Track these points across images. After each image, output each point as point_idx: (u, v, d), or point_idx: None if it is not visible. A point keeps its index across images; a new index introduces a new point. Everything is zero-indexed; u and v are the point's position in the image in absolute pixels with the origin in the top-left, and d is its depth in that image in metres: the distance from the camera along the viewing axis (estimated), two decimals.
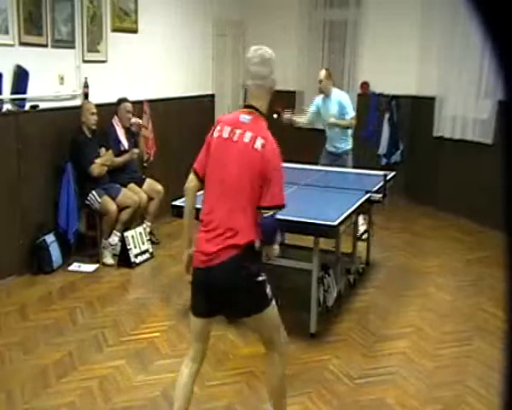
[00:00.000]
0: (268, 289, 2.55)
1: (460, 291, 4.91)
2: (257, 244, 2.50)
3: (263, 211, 2.47)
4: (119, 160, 5.48)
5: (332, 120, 5.90)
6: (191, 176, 2.69)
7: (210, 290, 2.53)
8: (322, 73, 5.97)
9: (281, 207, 2.51)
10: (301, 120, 6.08)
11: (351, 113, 5.96)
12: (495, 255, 5.35)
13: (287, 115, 5.78)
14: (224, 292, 2.50)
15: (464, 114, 6.93)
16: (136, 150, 5.64)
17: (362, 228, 5.41)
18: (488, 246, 5.79)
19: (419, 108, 7.64)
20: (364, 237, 5.34)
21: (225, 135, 2.53)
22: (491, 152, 6.17)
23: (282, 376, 2.72)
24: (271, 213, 2.47)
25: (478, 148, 6.61)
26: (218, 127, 2.58)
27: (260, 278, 2.51)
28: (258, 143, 2.47)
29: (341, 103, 5.93)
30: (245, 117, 2.55)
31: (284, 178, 2.57)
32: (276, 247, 2.66)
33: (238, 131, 2.51)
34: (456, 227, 6.62)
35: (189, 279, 2.68)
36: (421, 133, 7.62)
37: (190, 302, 2.66)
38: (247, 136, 2.49)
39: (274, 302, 2.60)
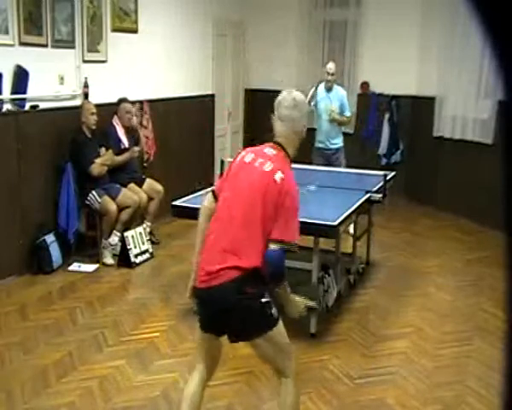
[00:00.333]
0: (273, 311, 2.43)
1: (460, 291, 4.91)
2: (265, 297, 2.41)
3: (271, 243, 2.38)
4: (120, 158, 5.48)
5: (336, 115, 5.96)
6: (209, 195, 2.66)
7: (211, 310, 2.47)
8: (333, 66, 6.04)
9: (290, 244, 2.41)
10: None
11: (349, 110, 6.11)
12: (495, 255, 5.35)
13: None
14: (223, 312, 2.42)
15: (464, 114, 6.93)
16: (136, 148, 5.64)
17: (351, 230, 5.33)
18: (488, 246, 5.79)
19: (419, 108, 7.64)
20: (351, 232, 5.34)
21: (247, 160, 2.54)
22: (491, 152, 6.17)
23: (298, 401, 2.57)
24: (278, 247, 2.38)
25: (478, 148, 6.62)
26: (243, 153, 2.61)
27: (264, 300, 2.40)
28: (278, 177, 2.43)
29: (343, 100, 6.04)
30: (270, 150, 2.56)
31: (298, 219, 2.47)
32: (300, 301, 2.58)
33: (260, 160, 2.50)
34: (456, 227, 6.62)
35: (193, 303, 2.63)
36: (421, 133, 7.62)
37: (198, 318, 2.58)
38: (268, 165, 2.47)
39: (281, 324, 2.47)
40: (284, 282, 2.47)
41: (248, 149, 2.65)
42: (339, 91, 6.13)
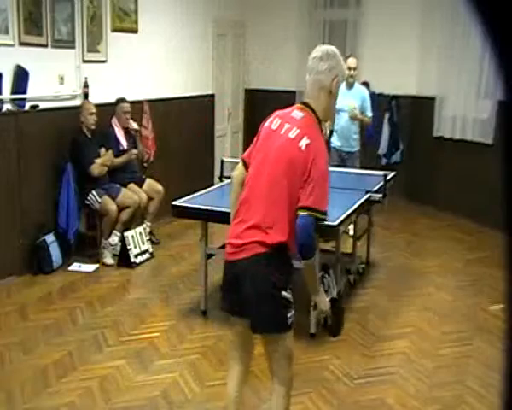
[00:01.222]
0: (290, 315, 2.34)
1: (460, 291, 4.91)
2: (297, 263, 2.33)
3: (300, 211, 2.25)
4: (119, 160, 5.48)
5: (357, 112, 5.70)
6: (239, 165, 2.55)
7: (235, 285, 2.37)
8: (354, 60, 5.75)
9: (321, 212, 2.27)
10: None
11: (370, 112, 5.83)
12: (495, 255, 5.35)
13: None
14: (245, 290, 2.32)
15: (464, 114, 6.93)
16: (134, 151, 5.64)
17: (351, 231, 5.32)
18: (488, 246, 5.79)
19: (419, 108, 7.64)
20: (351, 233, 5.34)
21: (274, 127, 2.41)
22: (491, 152, 6.17)
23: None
24: (306, 214, 2.24)
25: (478, 148, 6.62)
26: (271, 118, 2.46)
27: (285, 294, 2.31)
28: (303, 143, 2.29)
29: (365, 100, 5.78)
30: (297, 113, 2.40)
31: (328, 184, 2.34)
32: (324, 299, 2.52)
33: (287, 125, 2.36)
34: (456, 227, 6.62)
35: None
36: (421, 133, 7.61)
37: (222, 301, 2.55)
38: (294, 132, 2.33)
39: (291, 334, 2.39)
40: (313, 256, 2.30)
41: (277, 112, 2.49)
42: (360, 90, 5.85)
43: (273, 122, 2.43)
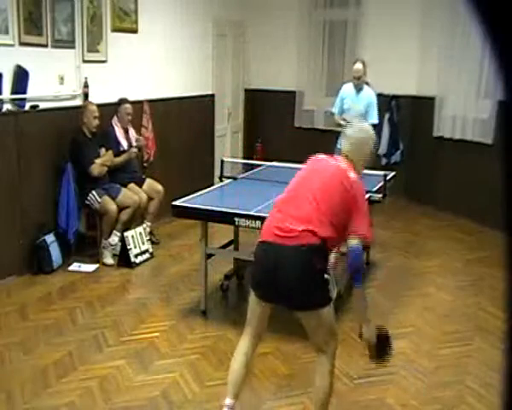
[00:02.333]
0: (330, 290, 2.65)
1: (460, 291, 4.91)
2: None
3: (351, 238, 2.60)
4: (119, 159, 5.48)
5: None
6: None
7: (273, 270, 2.55)
8: (360, 66, 5.64)
9: (367, 239, 2.65)
10: (339, 121, 5.69)
11: (375, 118, 5.67)
12: (495, 255, 5.35)
13: None
14: (285, 277, 2.53)
15: (464, 114, 6.93)
16: (134, 149, 5.64)
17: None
18: (488, 246, 5.79)
19: (419, 108, 7.64)
20: None
21: (320, 157, 2.85)
22: (491, 152, 6.17)
23: (332, 383, 2.71)
24: (358, 241, 2.59)
25: (478, 148, 6.62)
26: (313, 157, 2.89)
27: (326, 276, 2.57)
28: (352, 175, 2.67)
29: (370, 105, 5.69)
30: (342, 161, 2.76)
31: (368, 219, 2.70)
32: (371, 328, 2.66)
33: (333, 160, 2.79)
34: (456, 227, 6.62)
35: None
36: (421, 133, 7.62)
37: (251, 279, 2.77)
38: (343, 166, 2.71)
39: (332, 306, 2.65)
40: (361, 280, 2.64)
41: (320, 155, 2.90)
42: (368, 94, 5.73)
43: (318, 156, 2.87)
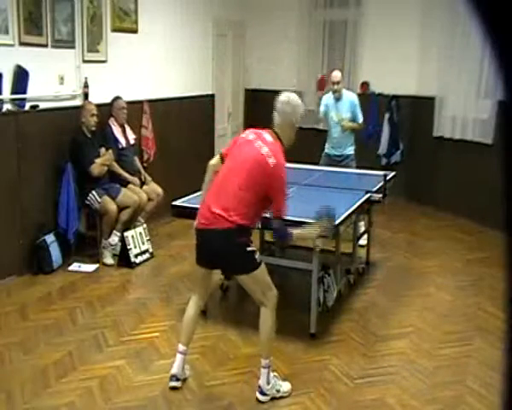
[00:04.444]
0: (257, 256, 3.12)
1: (460, 291, 4.91)
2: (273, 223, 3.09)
3: (272, 219, 3.08)
4: (119, 171, 5.50)
5: (348, 123, 5.74)
6: (217, 157, 3.32)
7: (205, 249, 3.16)
8: (338, 75, 5.75)
9: (284, 218, 3.07)
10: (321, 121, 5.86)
11: (361, 118, 5.83)
12: (495, 255, 5.35)
13: None
14: (216, 253, 3.12)
15: (464, 114, 6.93)
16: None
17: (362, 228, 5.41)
18: (488, 246, 5.79)
19: (419, 108, 7.64)
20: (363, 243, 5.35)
21: (250, 137, 3.17)
22: (491, 152, 6.17)
23: (272, 326, 3.21)
24: (278, 221, 3.05)
25: (478, 148, 6.61)
26: (247, 132, 3.27)
27: (249, 249, 3.08)
28: (271, 161, 3.03)
29: (355, 106, 5.78)
30: (268, 136, 3.14)
31: (287, 195, 3.11)
32: (311, 230, 3.25)
33: (259, 142, 3.10)
34: (456, 227, 6.62)
35: None
36: (421, 133, 7.61)
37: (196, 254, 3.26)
38: (265, 150, 3.06)
39: (263, 266, 3.16)
40: (290, 241, 3.28)
41: (251, 129, 3.26)
42: (349, 98, 5.81)
43: (249, 135, 3.20)
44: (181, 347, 3.32)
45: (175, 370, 3.28)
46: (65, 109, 5.27)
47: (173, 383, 3.27)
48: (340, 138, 5.85)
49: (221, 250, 3.10)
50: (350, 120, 5.78)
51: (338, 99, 5.80)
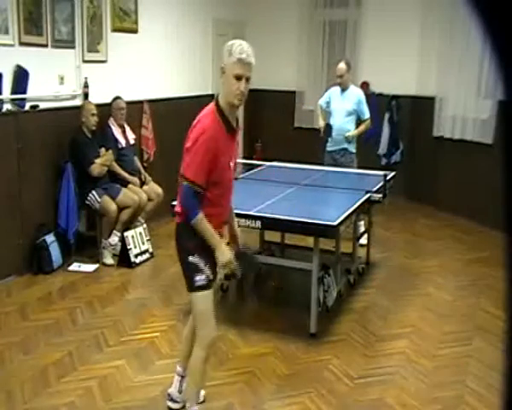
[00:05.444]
0: (198, 278, 2.64)
1: (460, 291, 4.91)
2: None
3: (181, 179, 2.65)
4: (119, 171, 5.50)
5: (353, 132, 5.73)
6: None
7: None
8: (343, 67, 5.69)
9: (189, 180, 2.60)
10: (322, 124, 5.81)
11: (367, 113, 5.78)
12: (495, 255, 5.35)
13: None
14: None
15: (464, 114, 6.93)
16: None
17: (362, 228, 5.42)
18: (488, 246, 5.79)
19: (419, 108, 7.64)
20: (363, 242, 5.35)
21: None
22: (491, 152, 6.17)
23: (200, 371, 2.80)
24: (185, 183, 2.60)
25: (478, 148, 6.62)
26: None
27: (190, 259, 2.65)
28: (192, 128, 2.77)
29: (360, 102, 5.75)
30: (210, 104, 2.80)
31: (200, 157, 2.67)
32: (223, 249, 2.66)
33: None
34: (456, 227, 6.62)
35: None
36: (421, 133, 7.62)
37: None
38: (196, 120, 2.78)
39: (207, 294, 2.68)
40: (192, 217, 2.60)
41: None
42: (355, 93, 5.80)
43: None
44: (177, 367, 3.12)
45: (170, 389, 3.12)
46: (65, 109, 5.27)
47: (168, 403, 3.11)
48: (340, 128, 5.73)
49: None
50: (354, 116, 5.77)
51: (343, 90, 5.80)
